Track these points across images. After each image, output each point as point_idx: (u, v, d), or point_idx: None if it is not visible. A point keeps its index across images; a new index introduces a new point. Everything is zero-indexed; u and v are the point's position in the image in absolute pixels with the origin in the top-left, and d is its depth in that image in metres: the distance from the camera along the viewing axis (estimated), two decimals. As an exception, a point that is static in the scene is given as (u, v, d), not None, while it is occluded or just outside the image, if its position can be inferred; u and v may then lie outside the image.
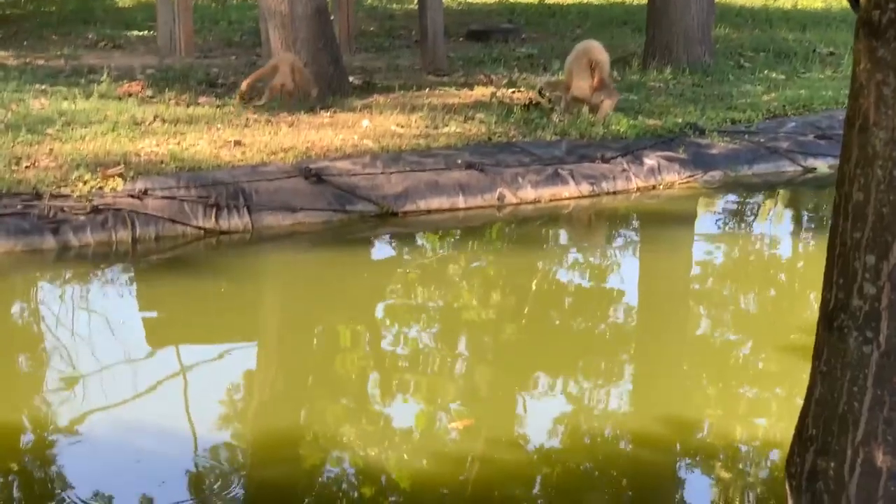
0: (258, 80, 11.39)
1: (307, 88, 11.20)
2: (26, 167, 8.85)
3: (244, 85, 11.37)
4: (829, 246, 2.53)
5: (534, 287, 7.94)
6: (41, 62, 13.89)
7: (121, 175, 8.67)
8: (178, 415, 5.68)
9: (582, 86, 10.78)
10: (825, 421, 2.63)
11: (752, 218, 9.91)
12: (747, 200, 10.12)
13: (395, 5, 20.80)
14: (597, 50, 10.81)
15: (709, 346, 6.83)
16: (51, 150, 9.29)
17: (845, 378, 2.51)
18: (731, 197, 10.06)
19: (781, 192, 10.33)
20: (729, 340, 6.96)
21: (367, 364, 6.55)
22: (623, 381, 6.36)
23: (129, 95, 11.52)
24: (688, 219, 9.69)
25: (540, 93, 11.35)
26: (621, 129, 10.42)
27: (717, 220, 9.78)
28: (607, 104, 10.67)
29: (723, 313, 7.42)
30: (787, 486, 2.84)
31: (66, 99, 11.20)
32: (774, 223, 9.84)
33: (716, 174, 10.05)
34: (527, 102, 11.30)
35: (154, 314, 7.44)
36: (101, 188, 8.47)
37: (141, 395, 5.91)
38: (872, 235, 2.37)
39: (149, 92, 11.76)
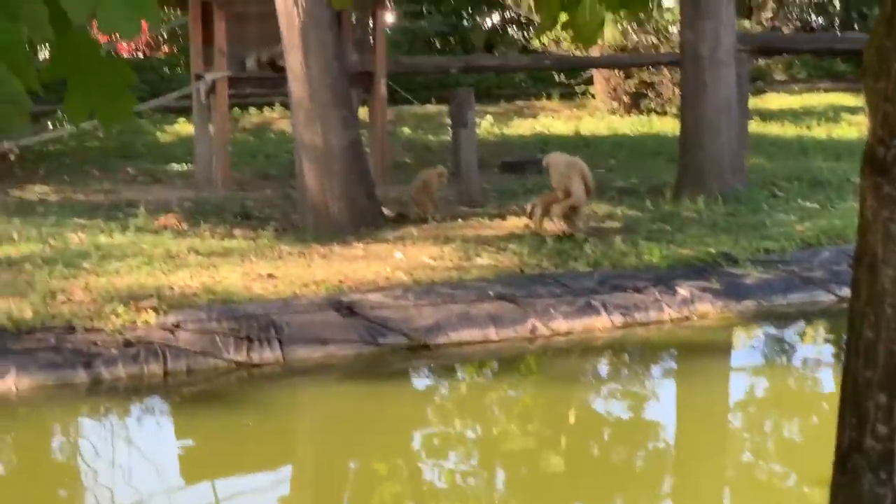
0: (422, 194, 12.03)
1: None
2: (61, 301, 8.93)
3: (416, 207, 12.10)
4: (841, 385, 2.49)
5: (569, 419, 7.88)
6: (81, 197, 14.08)
7: (153, 308, 8.73)
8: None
9: (580, 195, 11.27)
10: (841, 569, 2.56)
11: (787, 349, 9.82)
12: (782, 331, 10.04)
13: (430, 136, 21.02)
14: (580, 162, 11.59)
15: (746, 481, 6.72)
16: (86, 284, 9.38)
17: (861, 523, 2.46)
18: (766, 328, 9.98)
19: (816, 322, 10.24)
20: (766, 476, 6.86)
21: (403, 498, 6.48)
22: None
23: (165, 228, 11.63)
24: (723, 350, 9.62)
25: (530, 214, 11.63)
26: (654, 260, 10.41)
27: (752, 352, 9.70)
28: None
29: (760, 448, 7.31)
30: None
31: (103, 233, 11.33)
32: (810, 354, 9.75)
33: (750, 304, 9.99)
34: (559, 233, 11.33)
35: (186, 448, 7.44)
36: (133, 322, 8.53)
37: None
38: (884, 374, 2.33)
39: (184, 225, 11.89)
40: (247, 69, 14.55)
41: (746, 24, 30.32)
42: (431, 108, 24.90)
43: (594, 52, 23.50)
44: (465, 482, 6.77)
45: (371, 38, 16.15)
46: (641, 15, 23.69)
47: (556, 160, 11.64)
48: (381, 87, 14.90)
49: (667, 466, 7.16)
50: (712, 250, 10.76)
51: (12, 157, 17.24)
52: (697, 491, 6.68)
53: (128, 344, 8.26)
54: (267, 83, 15.11)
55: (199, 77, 14.87)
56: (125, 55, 31.04)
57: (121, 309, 8.68)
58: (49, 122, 20.09)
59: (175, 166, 17.11)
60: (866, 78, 2.34)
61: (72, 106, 2.41)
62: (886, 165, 2.27)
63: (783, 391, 8.72)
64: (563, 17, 3.40)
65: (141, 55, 31.83)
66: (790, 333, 10.05)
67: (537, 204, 11.60)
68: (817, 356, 9.69)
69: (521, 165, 16.03)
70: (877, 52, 2.29)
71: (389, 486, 6.78)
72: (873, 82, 2.31)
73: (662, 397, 8.67)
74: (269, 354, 8.53)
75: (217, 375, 8.35)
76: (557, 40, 24.81)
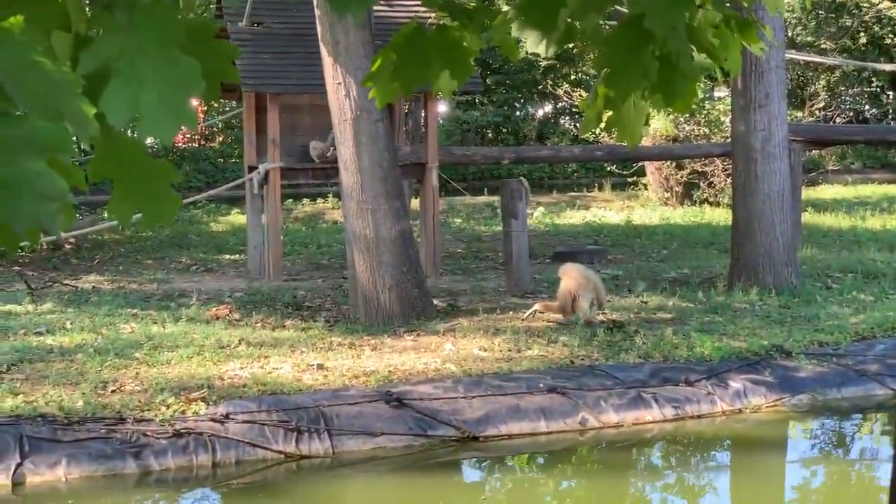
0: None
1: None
2: (112, 391, 8.97)
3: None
4: (892, 481, 2.44)
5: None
6: (134, 286, 14.20)
7: (203, 399, 8.75)
8: None
9: (584, 307, 11.43)
10: None
11: (842, 443, 9.67)
12: (837, 425, 9.89)
13: (482, 227, 21.09)
14: (594, 277, 11.91)
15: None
16: (137, 374, 9.42)
17: None
18: (821, 421, 9.84)
19: (872, 416, 10.08)
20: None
21: None
22: None
23: (217, 319, 11.69)
24: (777, 444, 9.48)
25: (533, 314, 11.74)
26: (705, 352, 10.32)
27: (807, 446, 9.56)
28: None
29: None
30: None
31: (155, 323, 11.40)
32: (866, 449, 9.59)
33: (803, 397, 9.86)
34: (610, 325, 11.27)
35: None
36: (183, 412, 8.54)
37: None
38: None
39: (236, 315, 11.94)
40: (313, 157, 14.66)
41: (798, 114, 30.33)
42: (483, 198, 25.03)
43: (646, 142, 23.58)
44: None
45: (423, 128, 16.26)
46: (693, 106, 23.77)
47: (569, 273, 11.76)
48: (433, 178, 14.98)
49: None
50: (765, 343, 10.65)
51: (67, 247, 17.45)
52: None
53: (177, 434, 8.26)
54: (320, 174, 15.23)
55: (252, 168, 15.03)
56: (180, 145, 31.51)
57: (171, 399, 8.70)
58: (104, 213, 20.31)
59: (228, 256, 17.26)
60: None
61: (117, 207, 2.44)
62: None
63: (839, 487, 8.57)
64: (608, 114, 3.41)
65: (196, 145, 32.27)
66: (845, 427, 9.90)
67: (538, 310, 11.73)
68: (873, 451, 9.52)
69: (572, 255, 15.99)
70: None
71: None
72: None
73: (715, 493, 8.53)
74: (318, 446, 8.50)
75: (266, 467, 8.32)
76: (609, 130, 24.88)
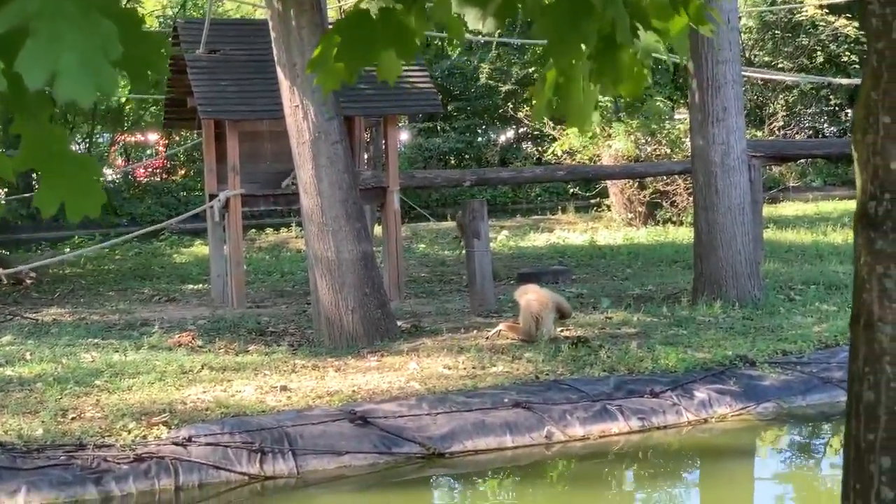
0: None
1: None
2: (72, 419, 8.87)
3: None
4: (844, 449, 2.41)
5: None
6: (96, 317, 14.07)
7: (165, 423, 8.66)
8: None
9: (549, 326, 11.44)
10: None
11: (808, 450, 9.66)
12: (802, 433, 9.89)
13: (446, 252, 21.07)
14: (553, 297, 11.84)
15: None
16: (97, 401, 9.33)
17: (869, 592, 2.35)
18: (786, 429, 9.83)
19: (837, 423, 10.07)
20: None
21: None
22: None
23: (179, 346, 11.60)
24: (744, 453, 9.47)
25: (497, 334, 11.73)
26: (670, 364, 10.31)
27: (773, 454, 9.55)
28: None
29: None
30: None
31: (116, 351, 11.30)
32: (832, 455, 9.58)
33: (769, 406, 9.85)
34: (574, 340, 11.25)
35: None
36: (144, 437, 8.45)
37: None
38: (886, 436, 2.26)
39: (199, 342, 11.85)
40: (282, 187, 14.60)
41: (758, 133, 30.53)
42: (447, 223, 25.03)
43: (607, 162, 23.66)
44: None
45: (384, 154, 16.24)
46: (654, 126, 23.88)
47: (528, 293, 11.74)
48: (395, 201, 14.95)
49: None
50: (729, 353, 10.65)
51: (28, 282, 17.31)
52: None
53: (139, 459, 8.16)
54: (281, 200, 15.18)
55: (213, 196, 14.96)
56: (142, 179, 31.40)
57: (132, 425, 8.61)
58: (67, 248, 20.23)
59: (191, 286, 17.15)
60: (855, 133, 2.31)
61: (43, 197, 2.43)
62: (878, 220, 2.23)
63: (806, 493, 8.56)
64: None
65: (158, 179, 32.16)
66: (810, 435, 9.90)
67: (502, 330, 11.72)
68: (839, 457, 9.49)
69: (536, 276, 15.97)
70: (864, 106, 2.26)
71: None
72: (862, 137, 2.27)
73: (683, 502, 8.49)
74: (282, 466, 8.42)
75: (230, 489, 8.23)
76: (571, 152, 24.97)
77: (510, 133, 37.31)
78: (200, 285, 17.07)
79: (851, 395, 2.39)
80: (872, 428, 2.29)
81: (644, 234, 22.43)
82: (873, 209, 2.22)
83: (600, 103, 23.39)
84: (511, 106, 32.94)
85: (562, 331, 11.71)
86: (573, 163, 24.43)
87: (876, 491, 2.31)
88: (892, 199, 2.19)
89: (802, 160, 29.98)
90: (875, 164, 2.21)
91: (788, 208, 28.01)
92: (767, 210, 24.44)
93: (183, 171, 32.90)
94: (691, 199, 16.00)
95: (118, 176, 31.53)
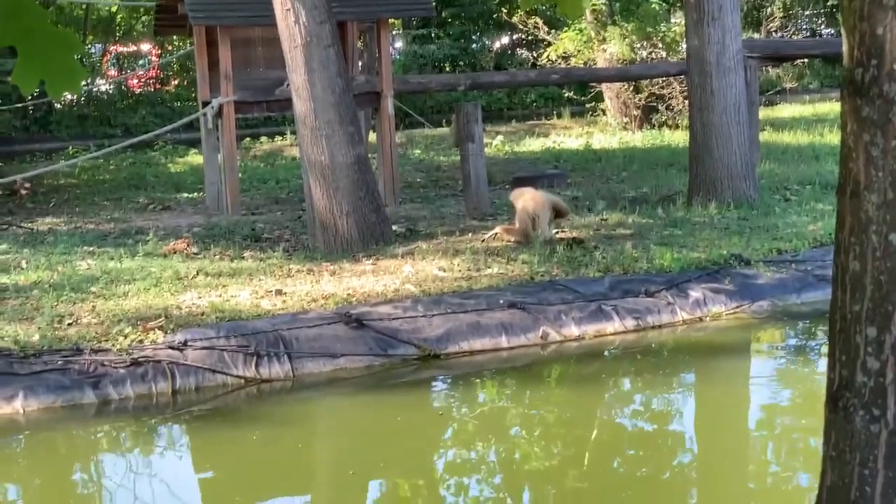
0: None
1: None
2: (68, 324, 8.88)
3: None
4: (830, 321, 2.40)
5: (584, 425, 7.75)
6: (91, 226, 14.05)
7: (161, 328, 8.68)
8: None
9: (545, 226, 11.46)
10: (837, 508, 2.46)
11: (802, 347, 9.68)
12: (797, 330, 9.91)
13: (442, 158, 20.99)
14: (549, 197, 11.87)
15: (770, 484, 6.58)
16: (93, 307, 9.33)
17: (855, 461, 2.34)
18: (781, 326, 9.84)
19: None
20: (795, 479, 6.72)
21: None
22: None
23: (175, 253, 11.58)
24: (738, 350, 9.48)
25: (493, 237, 11.75)
26: (665, 264, 10.31)
27: (768, 351, 9.57)
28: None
29: (786, 449, 7.17)
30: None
31: (112, 259, 11.28)
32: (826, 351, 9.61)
33: (763, 304, 9.88)
34: (569, 242, 11.24)
35: (197, 466, 7.32)
36: (141, 341, 8.48)
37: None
38: (872, 306, 2.24)
39: (194, 249, 11.83)
40: (276, 94, 14.44)
41: (755, 35, 30.27)
42: (442, 130, 24.89)
43: (602, 65, 23.49)
44: (481, 492, 6.66)
45: (378, 59, 16.09)
46: (649, 29, 23.66)
47: (524, 195, 11.75)
48: (388, 106, 14.85)
49: (689, 470, 7.03)
50: (724, 252, 10.66)
51: (24, 192, 17.26)
52: (724, 495, 6.56)
53: (135, 363, 8.19)
54: (274, 106, 15.07)
55: (205, 104, 14.86)
56: (136, 90, 31.18)
57: (128, 329, 8.63)
58: (62, 159, 20.15)
59: (186, 195, 17.11)
60: (842, -1, 2.26)
61: (21, 74, 2.39)
62: (865, 87, 2.19)
63: (800, 389, 8.59)
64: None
65: (151, 89, 31.93)
66: (805, 332, 9.92)
67: (498, 233, 11.71)
68: (834, 354, 9.51)
69: (531, 180, 15.92)
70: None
71: (404, 498, 6.68)
72: (848, 2, 2.23)
73: (680, 399, 8.53)
74: (278, 369, 8.46)
75: (226, 392, 8.27)
76: (566, 56, 24.78)
77: (505, 39, 37.00)
78: (195, 194, 17.03)
79: (837, 266, 2.37)
80: (858, 298, 2.27)
81: (640, 138, 22.35)
82: (860, 76, 2.18)
83: (594, 6, 23.17)
84: (505, 11, 32.61)
85: (557, 232, 11.70)
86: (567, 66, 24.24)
87: (862, 362, 2.30)
88: (879, 65, 2.15)
89: (799, 61, 29.71)
90: (861, 29, 2.17)
91: (785, 110, 27.87)
92: (764, 112, 24.31)
93: (177, 81, 32.64)
94: (687, 101, 15.91)
95: (111, 87, 31.29)
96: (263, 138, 25.12)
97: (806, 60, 31.41)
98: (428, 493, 6.72)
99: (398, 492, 6.76)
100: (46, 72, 2.41)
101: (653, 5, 24.59)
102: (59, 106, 28.70)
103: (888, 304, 2.22)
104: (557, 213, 11.69)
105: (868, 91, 2.16)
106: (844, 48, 2.28)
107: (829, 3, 36.27)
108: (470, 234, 12.04)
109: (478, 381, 8.74)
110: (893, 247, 2.17)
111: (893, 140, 2.14)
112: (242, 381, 8.35)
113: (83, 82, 2.68)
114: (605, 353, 9.15)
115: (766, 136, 20.60)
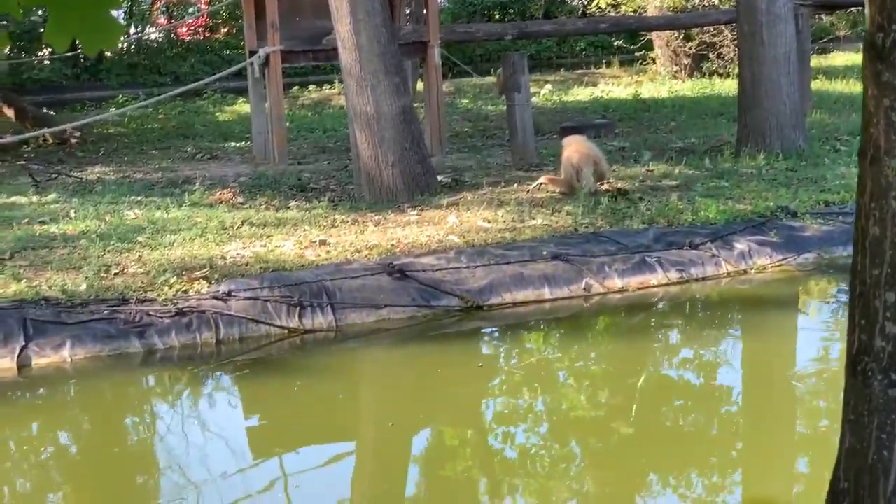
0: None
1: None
2: (115, 274, 8.97)
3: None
4: (850, 286, 2.38)
5: (629, 378, 7.75)
6: (139, 175, 14.14)
7: (206, 278, 8.74)
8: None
9: (588, 177, 11.33)
10: (856, 473, 2.45)
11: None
12: (844, 282, 9.81)
13: (490, 107, 20.91)
14: (595, 150, 11.70)
15: (820, 440, 6.56)
16: (139, 257, 9.41)
17: (873, 425, 2.33)
18: (827, 279, 9.77)
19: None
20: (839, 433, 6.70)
21: (469, 465, 6.41)
22: (736, 476, 6.16)
23: (221, 202, 11.65)
24: (784, 303, 9.42)
25: (538, 187, 11.71)
26: (710, 216, 10.25)
27: (814, 304, 9.51)
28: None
29: (830, 404, 7.14)
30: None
31: (159, 209, 11.37)
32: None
33: (809, 256, 9.81)
34: (614, 193, 11.20)
35: (241, 415, 7.40)
36: (185, 291, 8.55)
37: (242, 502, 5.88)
38: (891, 272, 2.22)
39: (240, 198, 11.89)
40: (323, 43, 14.43)
41: (809, -18, 29.84)
42: (490, 79, 24.76)
43: (653, 13, 23.28)
44: (525, 443, 6.69)
45: (425, 8, 16.03)
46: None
47: (571, 145, 11.67)
48: (435, 56, 14.80)
49: (734, 423, 7.02)
50: (771, 204, 10.57)
51: (73, 141, 17.39)
52: (768, 448, 6.56)
53: (180, 313, 8.27)
54: (321, 56, 15.06)
55: (252, 53, 14.87)
56: (185, 38, 31.25)
57: (173, 280, 8.71)
58: (111, 108, 20.26)
59: (234, 144, 17.16)
60: (865, -38, 2.23)
61: (53, 32, 2.37)
62: (886, 51, 2.16)
63: (846, 343, 8.53)
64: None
65: (200, 37, 31.99)
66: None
67: (543, 183, 11.64)
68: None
69: (579, 130, 15.85)
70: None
71: (448, 448, 6.73)
72: (871, -35, 2.19)
73: (728, 352, 8.50)
74: (321, 320, 8.51)
75: (269, 342, 8.34)
76: (615, 5, 24.58)
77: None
78: (243, 143, 17.08)
79: (858, 231, 2.35)
80: (878, 263, 2.25)
81: (689, 87, 22.15)
82: (880, 41, 2.15)
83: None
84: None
85: (602, 184, 11.65)
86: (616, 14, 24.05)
87: (881, 326, 2.29)
88: (900, 29, 2.12)
89: (853, 8, 29.30)
90: (883, -7, 2.14)
91: (839, 59, 27.51)
92: (816, 61, 24.03)
93: (226, 30, 32.67)
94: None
95: (161, 35, 31.38)
96: (312, 87, 25.14)
97: (860, 8, 30.93)
98: (468, 445, 6.76)
99: (438, 444, 6.81)
100: (80, 29, 2.37)
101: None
102: (109, 54, 28.82)
103: (907, 269, 2.20)
104: (597, 172, 11.59)
105: (889, 56, 2.13)
106: (866, 12, 2.25)
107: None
108: (515, 185, 12.02)
109: (521, 332, 8.75)
110: (914, 212, 2.15)
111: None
112: (286, 331, 8.41)
113: (122, 36, 2.66)
114: (649, 305, 9.12)
115: (817, 84, 20.36)
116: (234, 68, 15.70)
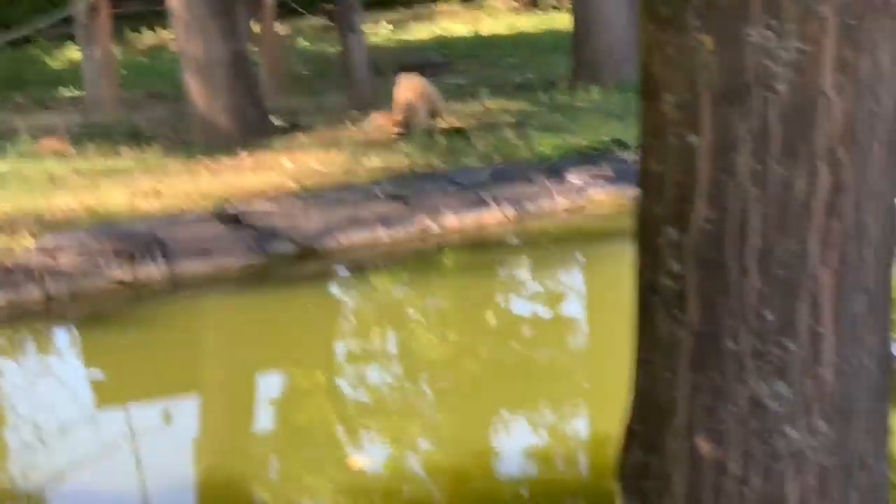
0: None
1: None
2: (-67, 232, 8.66)
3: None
4: (636, 224, 2.38)
5: (470, 315, 7.77)
6: (-37, 128, 13.65)
7: (31, 233, 8.49)
8: (126, 477, 5.47)
9: (422, 116, 11.43)
10: (647, 413, 2.46)
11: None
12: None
13: (331, 49, 20.67)
14: (434, 91, 11.89)
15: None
16: (-40, 214, 9.10)
17: (659, 365, 2.35)
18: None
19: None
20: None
21: (305, 407, 6.37)
22: (585, 405, 6.24)
23: (49, 153, 11.31)
24: (620, 235, 9.49)
25: (375, 127, 11.78)
26: (546, 151, 10.30)
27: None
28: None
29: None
30: (616, 487, 2.64)
31: (-17, 162, 11.00)
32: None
33: (642, 189, 9.91)
34: (450, 130, 11.19)
35: (73, 372, 7.23)
36: (10, 248, 8.28)
37: (85, 458, 5.74)
38: (672, 209, 2.22)
39: (70, 148, 11.56)
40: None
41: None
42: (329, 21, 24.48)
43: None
44: (377, 383, 6.67)
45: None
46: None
47: (405, 84, 11.71)
48: (267, -3, 14.56)
49: (582, 354, 7.09)
50: (605, 138, 10.66)
51: None
52: (618, 377, 6.64)
53: (6, 270, 8.02)
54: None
55: (79, -3, 14.44)
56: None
57: (-2, 235, 8.44)
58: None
59: (65, 92, 16.67)
60: None
61: None
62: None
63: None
64: None
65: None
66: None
67: (379, 123, 11.61)
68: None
69: (417, 68, 15.77)
70: None
71: (289, 393, 6.67)
72: None
73: (567, 283, 8.58)
74: (154, 271, 8.33)
75: (102, 296, 8.13)
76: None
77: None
78: (75, 91, 16.60)
79: (641, 167, 2.34)
80: (659, 200, 2.25)
81: (528, 22, 22.21)
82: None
83: None
84: None
85: (437, 122, 11.61)
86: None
87: (664, 264, 2.29)
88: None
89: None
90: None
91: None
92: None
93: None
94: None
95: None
96: (147, 31, 24.53)
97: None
98: (313, 389, 6.70)
99: (283, 389, 6.75)
100: None
101: None
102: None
103: (686, 205, 2.19)
104: (430, 110, 11.55)
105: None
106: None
107: None
108: (351, 127, 11.92)
109: (357, 274, 8.70)
110: (691, 148, 2.14)
111: (687, 38, 2.09)
112: (118, 284, 8.22)
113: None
114: (486, 242, 9.14)
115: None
116: (59, 15, 15.24)
